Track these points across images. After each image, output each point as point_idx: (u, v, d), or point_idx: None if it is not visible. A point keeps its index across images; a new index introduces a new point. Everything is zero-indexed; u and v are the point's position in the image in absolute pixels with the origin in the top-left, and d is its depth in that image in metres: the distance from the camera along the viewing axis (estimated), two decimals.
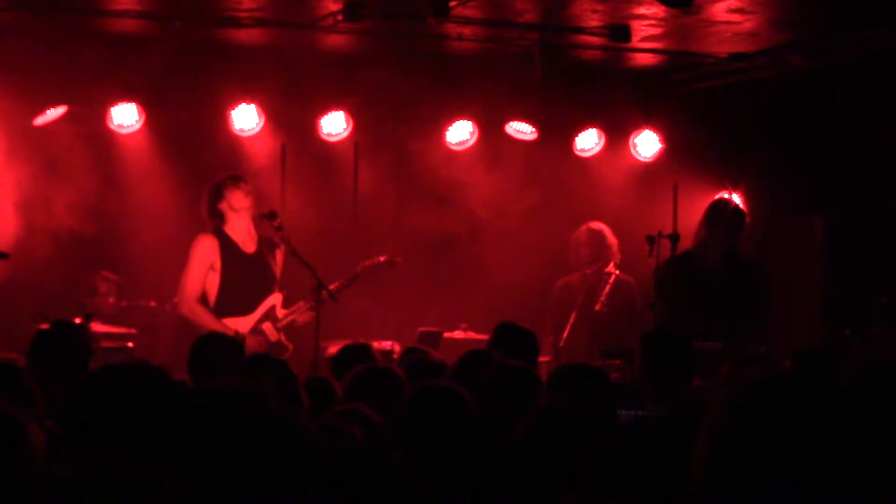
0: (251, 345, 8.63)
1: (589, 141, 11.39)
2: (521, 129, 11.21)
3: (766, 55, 10.23)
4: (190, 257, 9.16)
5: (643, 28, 9.59)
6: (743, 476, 2.39)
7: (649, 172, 11.27)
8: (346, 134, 10.84)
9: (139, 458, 3.35)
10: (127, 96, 10.29)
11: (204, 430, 3.11)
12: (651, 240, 9.24)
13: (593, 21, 9.44)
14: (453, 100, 10.92)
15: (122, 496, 3.13)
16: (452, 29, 9.68)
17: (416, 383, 4.81)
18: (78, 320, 8.22)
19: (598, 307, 10.07)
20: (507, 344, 6.74)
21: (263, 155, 10.70)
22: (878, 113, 10.42)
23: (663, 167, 11.13)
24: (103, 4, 9.61)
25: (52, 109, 10.13)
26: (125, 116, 10.37)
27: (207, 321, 8.90)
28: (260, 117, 10.56)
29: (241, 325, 9.03)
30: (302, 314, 9.20)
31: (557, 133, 11.26)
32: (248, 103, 10.50)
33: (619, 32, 9.50)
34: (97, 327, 9.30)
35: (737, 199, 10.10)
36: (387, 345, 9.32)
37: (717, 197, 9.83)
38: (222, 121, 10.54)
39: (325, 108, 10.76)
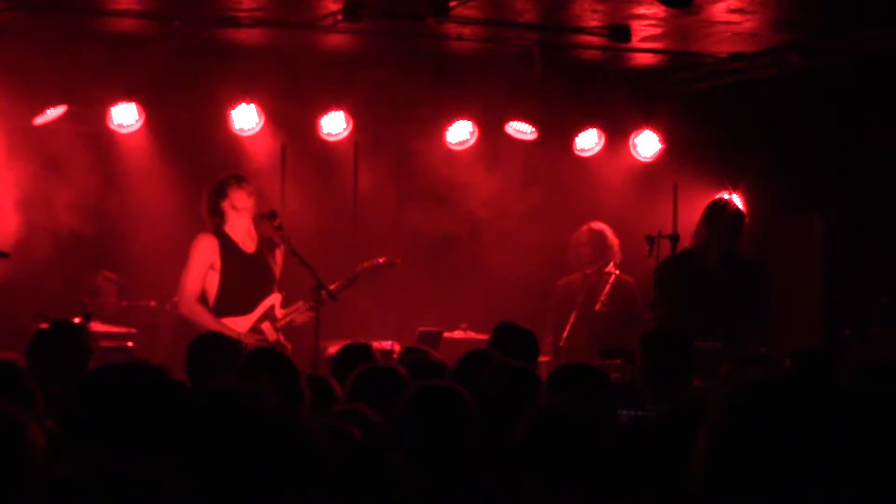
0: (251, 346, 8.62)
1: (589, 141, 11.39)
2: (521, 129, 11.20)
3: (766, 55, 10.23)
4: (190, 257, 9.14)
5: (643, 28, 9.59)
6: (743, 476, 2.39)
7: (649, 172, 11.26)
8: (346, 134, 10.84)
9: (139, 458, 3.35)
10: (127, 96, 10.29)
11: (204, 430, 3.11)
12: (651, 240, 9.23)
13: (593, 21, 9.45)
14: (453, 100, 10.91)
15: (122, 496, 3.14)
16: (452, 29, 9.67)
17: (416, 383, 4.80)
18: (78, 320, 8.22)
19: (598, 307, 10.06)
20: (507, 344, 6.73)
21: (263, 155, 10.69)
22: (878, 113, 10.43)
23: (663, 167, 11.12)
24: (103, 4, 9.61)
25: (52, 109, 10.13)
26: (125, 116, 10.37)
27: (207, 321, 8.90)
28: (260, 117, 10.57)
29: (240, 324, 9.02)
30: (301, 314, 9.19)
31: (557, 133, 11.26)
32: (248, 103, 10.50)
33: (619, 32, 9.50)
34: (97, 327, 9.29)
35: (736, 198, 10.10)
36: (387, 345, 9.32)
37: (716, 197, 9.83)
38: (222, 121, 10.54)
39: (325, 108, 10.76)
